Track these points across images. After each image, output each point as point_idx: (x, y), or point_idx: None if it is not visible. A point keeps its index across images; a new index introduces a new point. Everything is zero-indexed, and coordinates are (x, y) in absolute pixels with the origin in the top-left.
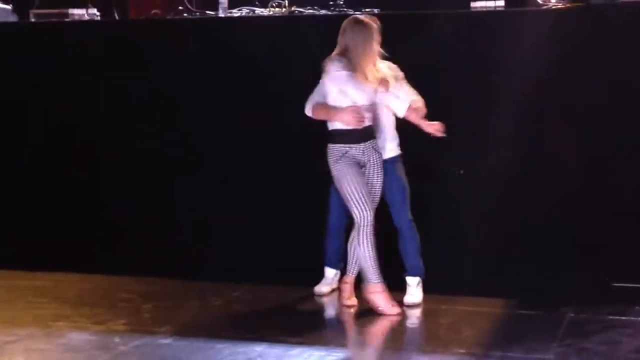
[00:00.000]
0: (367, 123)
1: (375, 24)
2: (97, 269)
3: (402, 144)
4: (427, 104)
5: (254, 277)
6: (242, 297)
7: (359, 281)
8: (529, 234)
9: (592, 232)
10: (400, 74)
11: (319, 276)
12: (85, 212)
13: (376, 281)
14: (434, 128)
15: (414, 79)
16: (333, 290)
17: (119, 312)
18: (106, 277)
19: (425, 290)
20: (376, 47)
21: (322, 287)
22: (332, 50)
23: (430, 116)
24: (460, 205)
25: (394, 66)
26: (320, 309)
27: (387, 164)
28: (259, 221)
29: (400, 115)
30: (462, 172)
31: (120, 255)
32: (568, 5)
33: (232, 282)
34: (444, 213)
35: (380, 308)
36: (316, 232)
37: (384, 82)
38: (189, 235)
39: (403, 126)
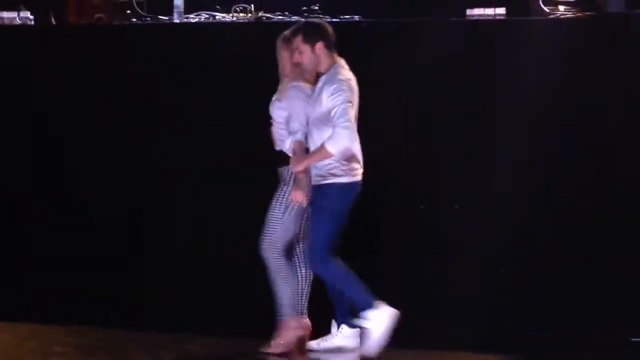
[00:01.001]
0: (277, 147)
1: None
2: (24, 316)
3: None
4: (415, 125)
5: (208, 328)
6: (195, 352)
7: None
8: (536, 280)
9: (606, 281)
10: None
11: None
12: (11, 253)
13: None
14: (296, 195)
15: (400, 95)
16: None
17: None
18: (35, 327)
19: (415, 343)
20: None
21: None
22: None
23: (418, 136)
24: (457, 244)
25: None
26: None
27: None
28: (212, 263)
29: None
30: (422, 207)
31: (49, 301)
32: (578, 14)
33: (183, 333)
34: (438, 253)
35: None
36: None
37: None
38: (130, 278)
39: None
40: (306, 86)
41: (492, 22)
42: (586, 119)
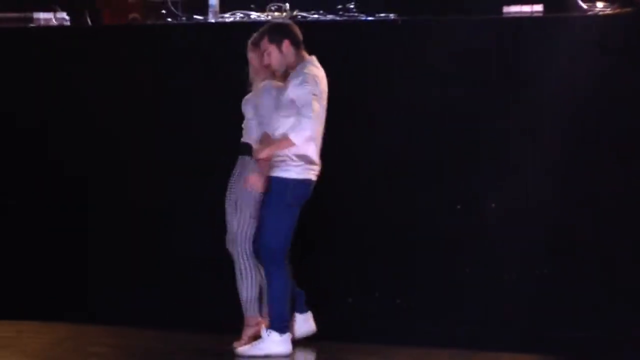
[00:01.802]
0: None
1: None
2: (62, 317)
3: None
4: (447, 121)
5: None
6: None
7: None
8: (566, 280)
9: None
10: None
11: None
12: (49, 256)
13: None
14: (250, 178)
15: (436, 94)
16: None
17: None
18: (73, 327)
19: (443, 344)
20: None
21: None
22: (341, 60)
23: (452, 136)
24: (489, 246)
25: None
26: None
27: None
28: None
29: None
30: (458, 207)
31: (88, 302)
32: (616, 10)
33: (221, 333)
34: (469, 254)
35: None
36: None
37: None
38: (171, 279)
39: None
40: (276, 85)
41: (529, 19)
42: (624, 116)
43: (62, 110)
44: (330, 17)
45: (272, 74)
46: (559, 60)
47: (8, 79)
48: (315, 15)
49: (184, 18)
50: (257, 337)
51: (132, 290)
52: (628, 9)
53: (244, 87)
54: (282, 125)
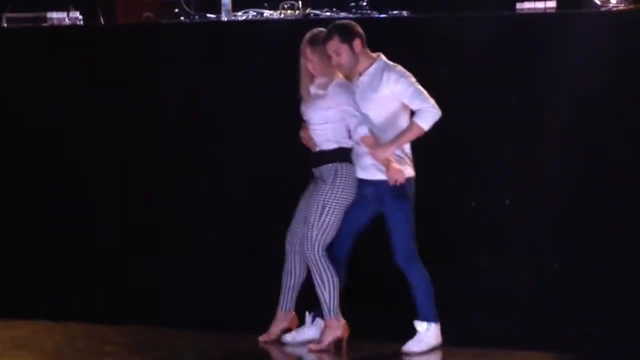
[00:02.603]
0: (318, 147)
1: (306, 36)
2: (75, 316)
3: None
4: (462, 119)
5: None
6: (244, 350)
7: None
8: (584, 278)
9: None
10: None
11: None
12: (62, 256)
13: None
14: (391, 174)
15: (450, 91)
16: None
17: None
18: (86, 326)
19: (460, 341)
20: (305, 62)
21: None
22: None
23: (466, 133)
24: (507, 242)
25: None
26: None
27: (376, 189)
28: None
29: (354, 138)
30: (473, 204)
31: (100, 301)
32: (631, 6)
33: (233, 332)
34: (486, 250)
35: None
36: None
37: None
38: (178, 278)
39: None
40: (346, 82)
41: (542, 15)
42: (638, 113)
43: (75, 109)
44: (342, 14)
45: (334, 72)
46: (572, 56)
47: (20, 77)
48: (328, 13)
49: (197, 17)
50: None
51: (148, 289)
52: None
53: (259, 85)
54: (379, 123)
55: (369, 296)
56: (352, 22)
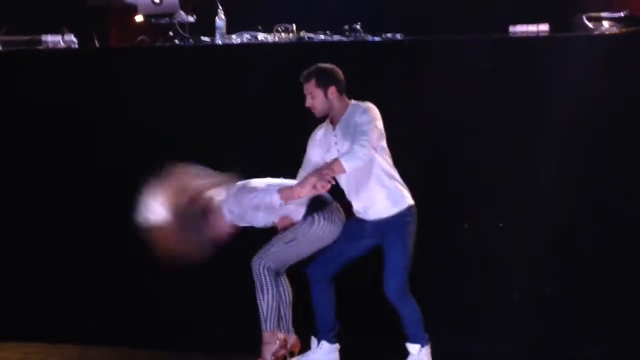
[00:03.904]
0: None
1: None
2: (68, 338)
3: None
4: (455, 146)
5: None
6: None
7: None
8: (588, 297)
9: None
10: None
11: None
12: (54, 277)
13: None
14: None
15: (443, 114)
16: None
17: None
18: (80, 348)
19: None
20: None
21: None
22: (348, 81)
23: (459, 156)
24: (504, 261)
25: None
26: None
27: (377, 225)
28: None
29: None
30: (501, 225)
31: (93, 322)
32: (623, 30)
33: (229, 353)
34: (486, 271)
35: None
36: None
37: None
38: (174, 301)
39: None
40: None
41: (535, 38)
42: (631, 136)
43: (67, 131)
44: (336, 37)
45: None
46: (565, 80)
47: (15, 100)
48: (322, 37)
49: (191, 40)
50: (279, 354)
51: (140, 312)
52: (634, 29)
53: (252, 106)
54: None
55: (364, 319)
56: (334, 68)
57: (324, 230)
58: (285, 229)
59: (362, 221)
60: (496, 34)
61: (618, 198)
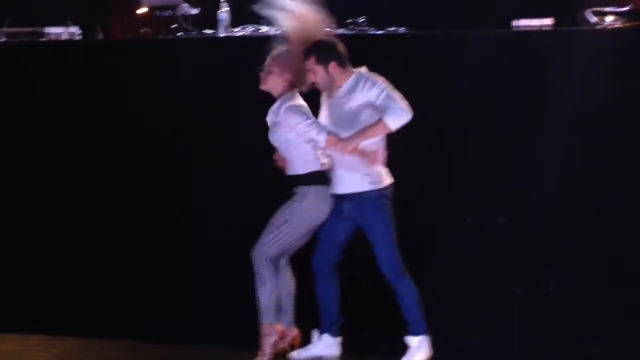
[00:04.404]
0: (288, 172)
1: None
2: (71, 330)
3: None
4: (458, 136)
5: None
6: None
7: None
8: (588, 294)
9: None
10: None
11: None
12: (57, 269)
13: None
14: (370, 159)
15: (446, 108)
16: None
17: None
18: (82, 341)
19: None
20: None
21: None
22: None
23: (462, 150)
24: (505, 259)
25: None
26: None
27: (350, 203)
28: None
29: (320, 148)
30: (500, 219)
31: (96, 315)
32: (626, 24)
33: (230, 346)
34: (486, 267)
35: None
36: None
37: None
38: (177, 294)
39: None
40: (298, 99)
41: (538, 32)
42: (635, 130)
43: (70, 123)
44: (340, 31)
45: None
46: (568, 74)
47: (19, 93)
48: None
49: (194, 32)
50: (279, 346)
51: (141, 304)
52: (637, 23)
53: (255, 100)
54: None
55: (366, 313)
56: (332, 42)
57: (314, 208)
58: (282, 168)
59: (340, 202)
60: (500, 28)
61: (619, 197)
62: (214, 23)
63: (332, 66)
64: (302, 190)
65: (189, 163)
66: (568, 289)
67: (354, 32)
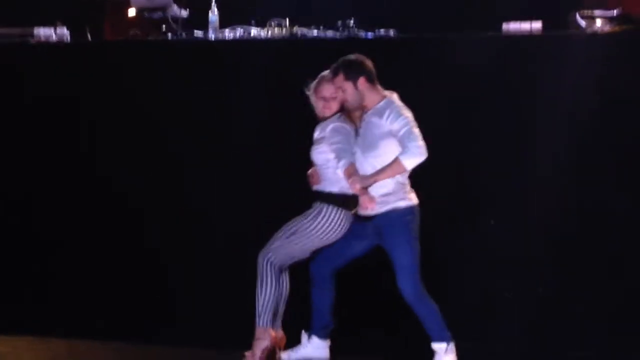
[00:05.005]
0: (315, 187)
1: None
2: (58, 332)
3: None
4: (452, 141)
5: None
6: None
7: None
8: (576, 299)
9: None
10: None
11: None
12: (45, 269)
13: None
14: (364, 201)
15: (437, 113)
16: None
17: None
18: (69, 343)
19: None
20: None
21: None
22: None
23: (456, 157)
24: (497, 263)
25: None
26: None
27: (374, 224)
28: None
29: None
30: (493, 222)
31: (84, 317)
32: (616, 28)
33: (220, 347)
34: (478, 272)
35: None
36: None
37: None
38: (166, 294)
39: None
40: (346, 124)
41: (528, 36)
42: (625, 134)
43: (59, 125)
44: (329, 33)
45: (344, 113)
46: (558, 77)
47: (6, 93)
48: (315, 32)
49: (184, 34)
50: (270, 350)
51: (129, 306)
52: (627, 27)
53: (245, 101)
54: (369, 163)
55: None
56: (361, 58)
57: (326, 227)
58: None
59: (364, 221)
60: (490, 31)
61: (618, 194)
62: (203, 24)
63: (361, 81)
64: (319, 206)
65: (181, 162)
66: (561, 293)
67: (344, 34)
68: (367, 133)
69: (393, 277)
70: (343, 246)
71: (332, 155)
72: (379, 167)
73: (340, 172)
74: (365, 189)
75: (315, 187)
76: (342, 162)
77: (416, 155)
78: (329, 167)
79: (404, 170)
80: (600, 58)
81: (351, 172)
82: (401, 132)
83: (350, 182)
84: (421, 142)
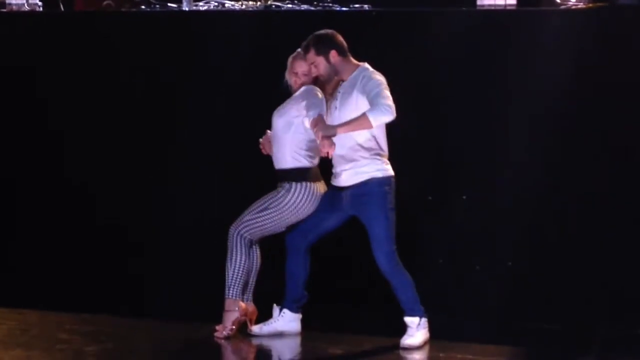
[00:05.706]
0: (276, 166)
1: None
2: (30, 303)
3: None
4: (425, 116)
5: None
6: (201, 340)
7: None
8: (542, 273)
9: (615, 273)
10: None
11: None
12: (19, 240)
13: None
14: (323, 145)
15: (411, 87)
16: None
17: (57, 355)
18: (41, 313)
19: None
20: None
21: None
22: None
23: (429, 132)
24: (466, 240)
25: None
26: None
27: (348, 195)
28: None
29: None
30: (464, 197)
31: (56, 289)
32: (590, 5)
33: (191, 321)
34: (447, 248)
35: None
36: None
37: None
38: (138, 267)
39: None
40: (319, 92)
41: (502, 12)
42: (597, 110)
43: (32, 96)
44: (304, 7)
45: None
46: (532, 53)
47: None
48: (290, 5)
49: (157, 6)
50: (241, 322)
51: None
52: (601, 4)
53: (219, 73)
54: (350, 134)
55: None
56: (331, 32)
57: (297, 203)
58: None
59: (339, 193)
60: (465, 6)
61: (588, 170)
62: None
63: (333, 54)
64: (287, 186)
65: (152, 132)
66: (530, 267)
67: (318, 8)
68: (345, 103)
69: (367, 249)
70: (318, 218)
71: (296, 121)
72: (357, 137)
73: (306, 123)
74: (328, 137)
75: (277, 166)
76: (311, 113)
77: (383, 113)
78: (285, 134)
79: (370, 126)
80: (574, 34)
81: (317, 122)
82: (372, 93)
83: (315, 130)
84: (390, 102)
